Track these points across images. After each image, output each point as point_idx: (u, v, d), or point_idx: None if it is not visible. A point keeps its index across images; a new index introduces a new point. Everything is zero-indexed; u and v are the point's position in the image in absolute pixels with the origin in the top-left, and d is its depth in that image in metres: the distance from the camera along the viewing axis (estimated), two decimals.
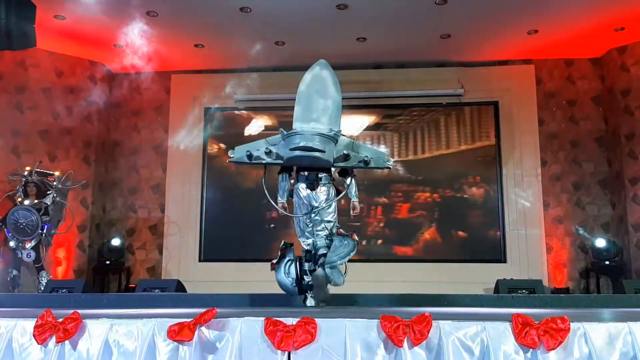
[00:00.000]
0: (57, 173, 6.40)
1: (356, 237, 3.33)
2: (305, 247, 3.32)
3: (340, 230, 3.36)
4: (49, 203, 6.18)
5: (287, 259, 3.32)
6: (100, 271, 8.84)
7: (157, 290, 5.26)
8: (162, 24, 7.65)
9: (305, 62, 8.71)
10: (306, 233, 3.33)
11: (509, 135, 8.84)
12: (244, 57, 8.84)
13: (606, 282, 8.15)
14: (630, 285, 5.13)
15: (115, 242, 8.79)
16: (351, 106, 8.81)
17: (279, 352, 2.61)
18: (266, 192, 3.32)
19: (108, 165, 9.45)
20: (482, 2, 7.17)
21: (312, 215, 3.26)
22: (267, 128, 9.16)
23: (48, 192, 6.21)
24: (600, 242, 8.12)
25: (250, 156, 3.21)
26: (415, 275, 8.18)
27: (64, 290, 5.14)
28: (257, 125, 9.24)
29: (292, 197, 3.38)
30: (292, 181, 3.46)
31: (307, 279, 3.25)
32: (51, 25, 7.56)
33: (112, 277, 8.92)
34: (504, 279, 6.45)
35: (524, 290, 5.22)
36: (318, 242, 3.29)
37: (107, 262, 8.78)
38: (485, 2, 7.17)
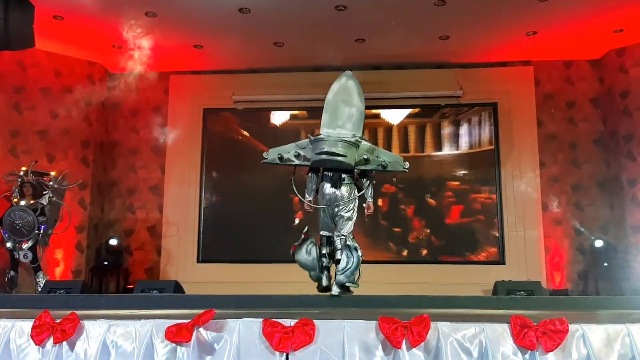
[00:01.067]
0: (53, 173, 6.35)
1: (360, 252, 3.59)
2: (326, 234, 3.63)
3: (349, 241, 3.61)
4: (45, 203, 6.12)
5: (309, 240, 3.63)
6: (98, 272, 8.82)
7: (155, 291, 5.23)
8: (161, 24, 7.63)
9: (304, 62, 8.90)
10: (328, 226, 3.65)
11: (507, 136, 8.83)
12: (243, 58, 8.86)
13: (605, 284, 8.14)
14: (629, 287, 5.14)
15: (114, 242, 8.78)
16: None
17: (277, 353, 2.61)
18: (295, 189, 3.64)
19: (106, 165, 9.43)
20: (481, 3, 7.17)
21: (335, 209, 3.57)
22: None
23: (44, 192, 6.16)
24: (599, 244, 8.11)
25: (281, 158, 3.60)
26: (413, 276, 8.17)
27: (62, 291, 5.12)
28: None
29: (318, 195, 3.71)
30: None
31: (324, 260, 3.57)
32: (50, 25, 7.54)
33: (110, 277, 8.89)
34: (503, 280, 6.44)
35: (522, 292, 5.20)
36: (336, 243, 3.61)
37: (105, 263, 8.76)
38: (484, 3, 7.17)
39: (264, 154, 3.63)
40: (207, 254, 8.99)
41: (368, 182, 3.64)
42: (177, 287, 5.37)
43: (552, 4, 7.09)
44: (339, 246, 3.62)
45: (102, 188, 9.34)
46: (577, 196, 8.68)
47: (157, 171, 9.30)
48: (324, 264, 3.55)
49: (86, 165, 8.97)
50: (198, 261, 8.95)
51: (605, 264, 8.01)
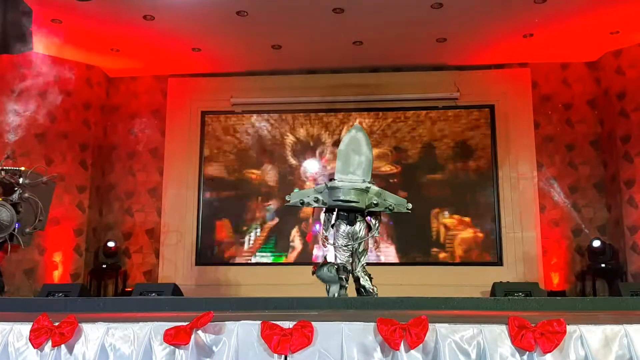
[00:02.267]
0: (22, 168, 6.16)
1: (375, 289, 3.98)
2: (342, 264, 3.94)
3: (363, 281, 3.97)
4: (14, 200, 5.92)
5: (330, 263, 3.96)
6: (96, 275, 8.82)
7: (153, 294, 5.25)
8: (159, 27, 7.65)
9: (301, 65, 8.91)
10: (345, 259, 4.00)
11: (504, 138, 8.86)
12: (241, 61, 8.88)
13: (602, 285, 8.17)
14: (626, 287, 5.16)
15: (112, 245, 8.77)
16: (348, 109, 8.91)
17: (276, 355, 2.61)
18: (309, 223, 4.29)
19: (105, 169, 9.44)
20: (478, 6, 7.20)
21: (354, 244, 4.01)
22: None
23: (15, 189, 5.98)
24: (596, 245, 8.13)
25: (302, 203, 4.14)
26: (412, 278, 8.18)
27: (61, 294, 5.13)
28: None
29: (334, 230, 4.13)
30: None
31: (343, 281, 3.90)
32: (48, 29, 7.54)
33: (109, 280, 8.89)
34: (501, 281, 6.47)
35: (520, 293, 5.24)
36: (356, 272, 4.02)
37: (104, 266, 8.75)
38: (481, 6, 7.20)
39: (287, 197, 4.14)
40: (205, 256, 8.99)
41: (377, 221, 4.09)
42: (176, 290, 5.39)
43: (548, 6, 7.13)
44: (359, 274, 3.99)
45: (101, 191, 9.34)
46: (575, 197, 8.70)
47: (156, 174, 9.30)
48: (343, 284, 3.89)
49: (85, 169, 8.97)
50: (196, 264, 8.95)
51: (603, 265, 8.03)
